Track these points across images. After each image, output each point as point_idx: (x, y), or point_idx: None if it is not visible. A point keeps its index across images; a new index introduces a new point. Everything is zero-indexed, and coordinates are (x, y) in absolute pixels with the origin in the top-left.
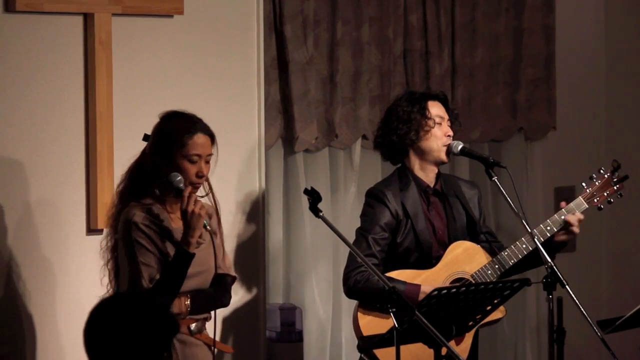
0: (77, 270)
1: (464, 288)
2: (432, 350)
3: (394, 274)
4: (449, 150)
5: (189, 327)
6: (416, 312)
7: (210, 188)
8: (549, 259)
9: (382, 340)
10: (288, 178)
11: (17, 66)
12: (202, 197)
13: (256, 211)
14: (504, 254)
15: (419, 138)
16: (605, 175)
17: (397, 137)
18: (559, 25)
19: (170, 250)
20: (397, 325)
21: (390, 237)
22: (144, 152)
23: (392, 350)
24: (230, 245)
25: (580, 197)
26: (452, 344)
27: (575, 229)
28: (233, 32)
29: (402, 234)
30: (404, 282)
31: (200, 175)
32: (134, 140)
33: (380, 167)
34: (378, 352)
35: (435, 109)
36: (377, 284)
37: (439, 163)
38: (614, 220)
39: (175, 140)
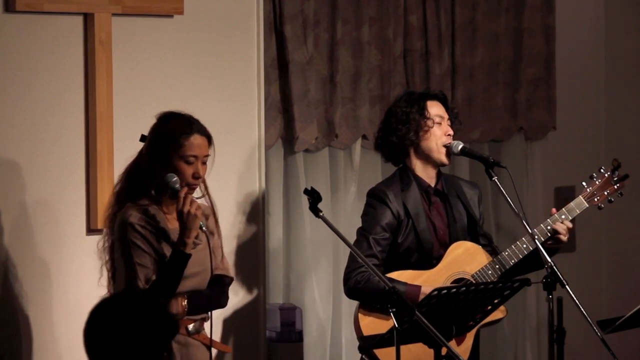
0: (77, 270)
1: (463, 288)
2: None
3: (394, 275)
4: (449, 151)
5: (186, 328)
6: (416, 312)
7: (207, 189)
8: (549, 259)
9: (382, 340)
10: (288, 178)
11: (17, 66)
12: (199, 198)
13: (256, 211)
14: (505, 254)
15: (419, 138)
16: (606, 175)
17: (396, 138)
18: (559, 25)
19: (167, 251)
20: (397, 326)
21: (391, 238)
22: (140, 153)
23: (392, 350)
24: (230, 245)
25: (580, 196)
26: (453, 344)
27: (563, 237)
28: (233, 32)
29: (403, 234)
30: (405, 283)
31: (197, 176)
32: (134, 140)
33: (381, 167)
34: (379, 352)
35: (435, 109)
36: (377, 285)
37: (439, 165)
38: (614, 220)
39: (172, 141)
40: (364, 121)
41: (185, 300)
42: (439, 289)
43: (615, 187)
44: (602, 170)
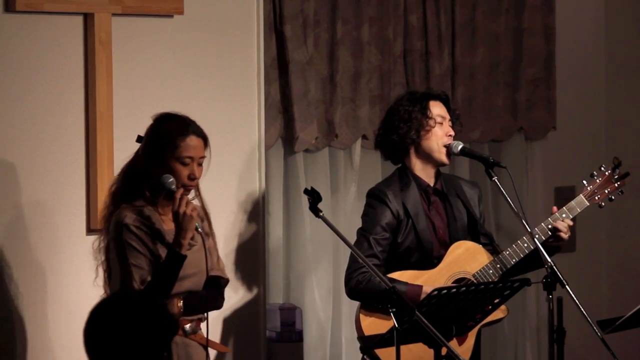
0: (76, 270)
1: (464, 288)
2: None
3: (395, 275)
4: (450, 151)
5: (183, 328)
6: (416, 312)
7: (199, 192)
8: (549, 259)
9: (383, 340)
10: (288, 178)
11: (17, 66)
12: (192, 199)
13: (256, 211)
14: (506, 253)
15: (420, 137)
16: (606, 173)
17: (397, 136)
18: (559, 25)
19: (162, 252)
20: (397, 325)
21: (392, 237)
22: (137, 154)
23: (394, 350)
24: (230, 245)
25: (581, 194)
26: (454, 343)
27: (564, 235)
28: (233, 32)
29: (403, 234)
30: (406, 283)
31: (193, 178)
32: (134, 141)
33: (380, 167)
34: (380, 352)
35: (437, 109)
36: (378, 285)
37: (439, 164)
38: (614, 220)
39: (168, 142)
40: (364, 121)
41: (181, 301)
42: (439, 289)
43: (616, 185)
44: (602, 169)
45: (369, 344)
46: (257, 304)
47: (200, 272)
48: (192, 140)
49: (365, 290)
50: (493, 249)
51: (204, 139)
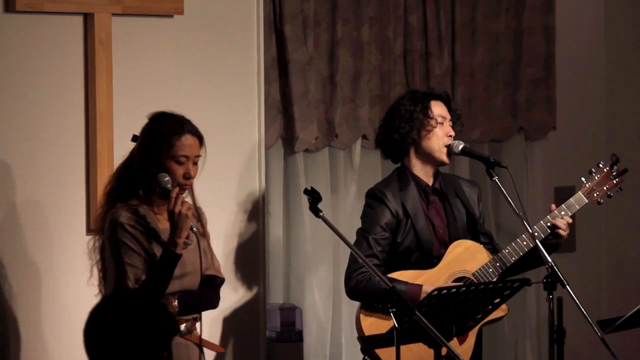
0: (76, 270)
1: (464, 288)
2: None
3: (396, 275)
4: (450, 151)
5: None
6: (416, 312)
7: (192, 191)
8: (549, 259)
9: (383, 340)
10: (288, 178)
11: (17, 66)
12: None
13: (256, 211)
14: (505, 251)
15: (421, 137)
16: (605, 170)
17: (398, 135)
18: (559, 25)
19: (157, 251)
20: (397, 325)
21: (391, 237)
22: (132, 153)
23: (394, 350)
24: (230, 245)
25: (579, 192)
26: (455, 343)
27: (563, 232)
28: (233, 32)
29: (403, 234)
30: (406, 282)
31: (188, 177)
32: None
33: (380, 167)
34: (380, 352)
35: (438, 109)
36: (378, 285)
37: (439, 164)
38: (614, 220)
39: (163, 141)
40: (364, 121)
41: (176, 301)
42: (439, 289)
43: (615, 182)
44: (600, 166)
45: (369, 344)
46: (257, 303)
47: (195, 271)
48: (188, 139)
49: (365, 290)
50: (493, 248)
51: (199, 138)
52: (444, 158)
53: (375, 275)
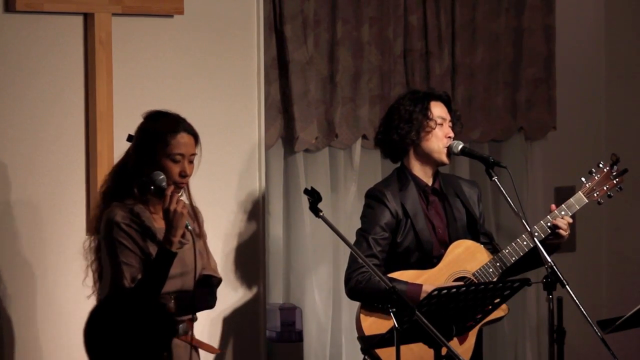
0: (76, 270)
1: (464, 288)
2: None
3: (396, 275)
4: (450, 151)
5: None
6: (416, 311)
7: (189, 191)
8: (549, 259)
9: (383, 340)
10: (288, 178)
11: (17, 66)
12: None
13: (256, 211)
14: (505, 251)
15: (420, 138)
16: (605, 170)
17: (398, 135)
18: (559, 25)
19: (153, 250)
20: (397, 325)
21: (391, 237)
22: (127, 153)
23: (394, 350)
24: (230, 245)
25: (579, 192)
26: (455, 343)
27: (563, 232)
28: (233, 32)
29: (402, 234)
30: (406, 282)
31: (184, 175)
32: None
33: (380, 167)
34: (380, 352)
35: (438, 110)
36: (378, 285)
37: (439, 164)
38: (614, 220)
39: (159, 139)
40: (364, 121)
41: (173, 301)
42: (439, 289)
43: (615, 181)
44: (600, 166)
45: (369, 344)
46: (257, 303)
47: (190, 271)
48: (183, 138)
49: (365, 290)
50: (493, 248)
51: (195, 136)
52: (444, 159)
53: (375, 275)
